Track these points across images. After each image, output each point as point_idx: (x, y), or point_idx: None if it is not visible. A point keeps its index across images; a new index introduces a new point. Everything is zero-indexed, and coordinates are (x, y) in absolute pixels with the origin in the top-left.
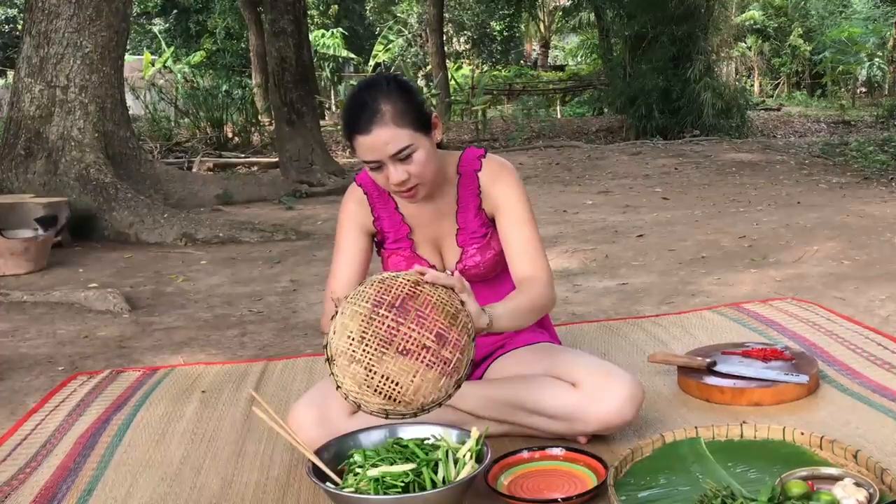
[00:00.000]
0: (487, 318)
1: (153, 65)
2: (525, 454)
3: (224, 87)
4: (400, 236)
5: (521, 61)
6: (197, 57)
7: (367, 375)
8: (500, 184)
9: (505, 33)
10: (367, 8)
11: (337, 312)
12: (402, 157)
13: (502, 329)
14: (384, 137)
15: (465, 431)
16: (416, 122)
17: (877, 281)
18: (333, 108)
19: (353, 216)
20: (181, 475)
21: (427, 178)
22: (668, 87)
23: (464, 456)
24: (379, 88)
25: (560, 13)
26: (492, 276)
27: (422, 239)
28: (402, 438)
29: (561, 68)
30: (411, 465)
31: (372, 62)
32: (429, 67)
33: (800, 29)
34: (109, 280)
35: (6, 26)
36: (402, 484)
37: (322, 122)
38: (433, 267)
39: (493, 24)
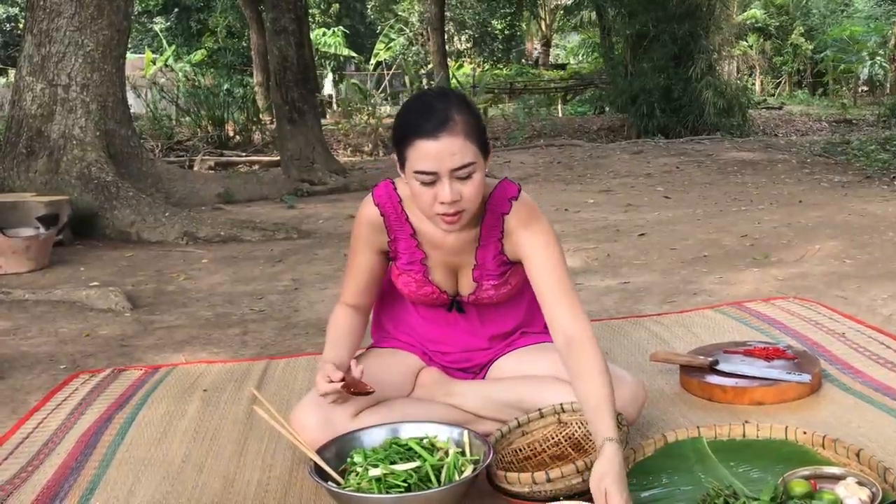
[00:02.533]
0: (614, 438)
1: (154, 63)
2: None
3: (225, 86)
4: (413, 259)
5: (523, 60)
6: (198, 55)
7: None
8: (527, 230)
9: (506, 32)
10: (369, 6)
11: None
12: (462, 174)
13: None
14: (452, 147)
15: (464, 430)
16: (480, 141)
17: (879, 280)
18: (334, 106)
19: (365, 235)
20: (183, 474)
21: (475, 204)
22: (670, 86)
23: (466, 454)
24: (450, 99)
25: (561, 12)
26: (504, 302)
27: (436, 265)
28: (400, 438)
29: (562, 67)
30: (415, 464)
31: (373, 61)
32: (430, 66)
33: (801, 27)
34: (111, 278)
35: (7, 24)
36: (405, 484)
37: (323, 121)
38: (444, 293)
39: (494, 22)
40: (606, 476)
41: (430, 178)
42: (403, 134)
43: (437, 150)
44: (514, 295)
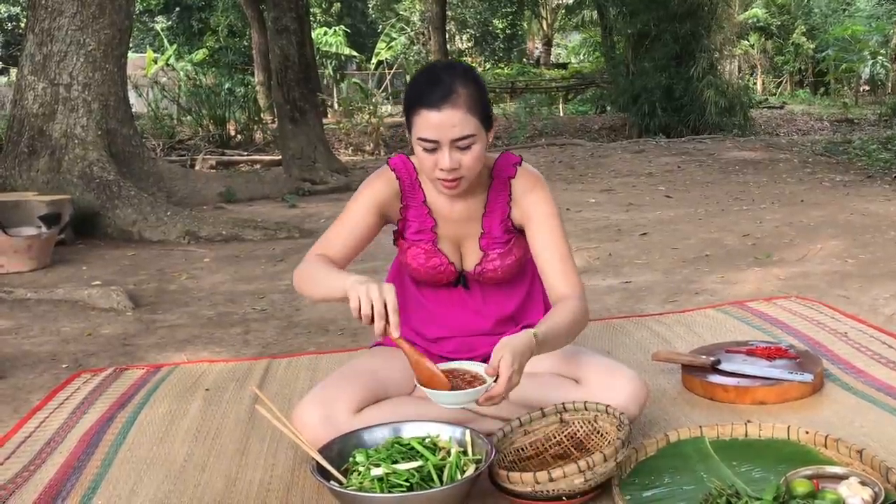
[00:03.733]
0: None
1: (156, 62)
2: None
3: (227, 85)
4: (424, 228)
5: (524, 59)
6: (199, 54)
7: None
8: (534, 195)
9: (507, 31)
10: (370, 6)
11: None
12: (462, 144)
13: (545, 350)
14: (453, 119)
15: (466, 429)
16: (483, 114)
17: (881, 279)
18: (335, 105)
19: (376, 194)
20: (185, 473)
21: (474, 173)
22: (671, 85)
23: (468, 454)
24: (456, 72)
25: (563, 11)
26: (507, 280)
27: (444, 234)
28: (402, 437)
29: (563, 66)
30: (417, 464)
31: (374, 60)
32: None
33: (803, 27)
34: (113, 278)
35: (9, 24)
36: (407, 484)
37: (325, 120)
38: (451, 264)
39: (495, 21)
40: (509, 345)
41: (432, 146)
42: (411, 102)
43: (440, 121)
44: (515, 273)
